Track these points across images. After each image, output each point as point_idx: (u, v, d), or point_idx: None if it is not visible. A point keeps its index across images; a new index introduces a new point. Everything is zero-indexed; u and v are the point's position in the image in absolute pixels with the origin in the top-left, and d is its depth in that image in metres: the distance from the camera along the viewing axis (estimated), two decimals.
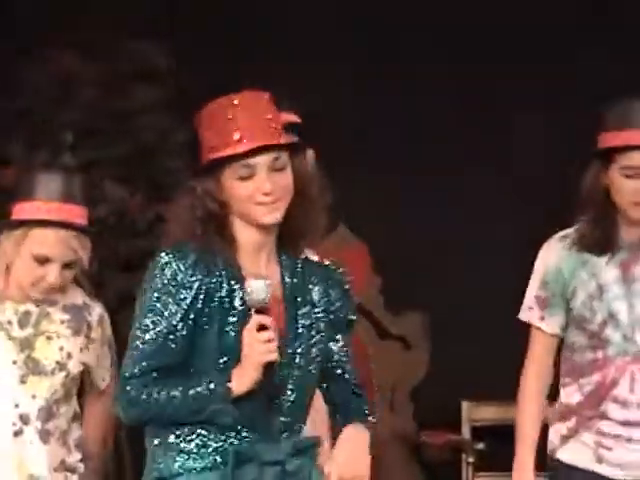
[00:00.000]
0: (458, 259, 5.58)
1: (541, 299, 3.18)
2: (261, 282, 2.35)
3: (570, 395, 3.15)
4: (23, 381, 2.98)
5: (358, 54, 5.59)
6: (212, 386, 2.34)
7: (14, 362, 2.99)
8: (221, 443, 2.37)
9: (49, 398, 2.98)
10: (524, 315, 3.21)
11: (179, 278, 2.36)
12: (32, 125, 5.28)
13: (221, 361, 2.37)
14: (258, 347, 2.31)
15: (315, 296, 2.48)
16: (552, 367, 3.20)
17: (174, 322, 2.36)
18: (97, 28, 5.17)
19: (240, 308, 2.39)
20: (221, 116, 2.40)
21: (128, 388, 2.37)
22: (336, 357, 2.52)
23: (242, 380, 2.33)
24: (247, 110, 2.40)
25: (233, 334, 2.37)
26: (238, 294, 2.39)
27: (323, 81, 5.43)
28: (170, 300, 2.36)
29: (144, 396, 2.35)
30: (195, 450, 2.37)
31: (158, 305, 2.37)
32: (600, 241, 3.11)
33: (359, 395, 2.53)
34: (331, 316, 2.50)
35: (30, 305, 3.02)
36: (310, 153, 3.06)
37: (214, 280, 2.39)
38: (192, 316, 2.37)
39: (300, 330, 2.44)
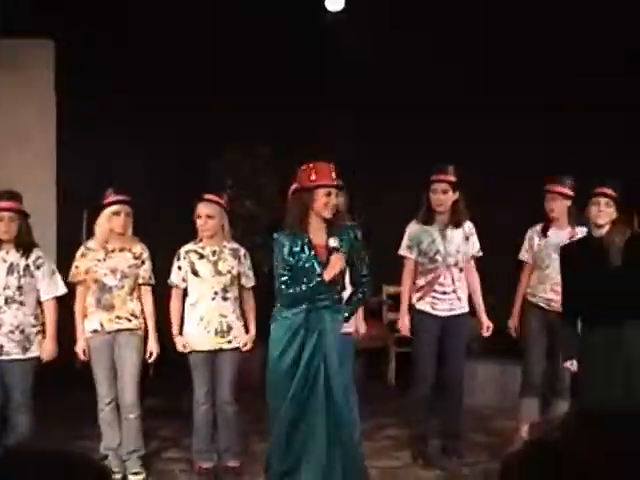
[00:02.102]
0: None
1: None
2: (336, 240, 5.56)
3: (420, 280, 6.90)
4: (213, 277, 6.46)
5: None
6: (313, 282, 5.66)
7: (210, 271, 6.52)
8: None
9: (226, 284, 6.48)
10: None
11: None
12: None
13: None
14: (339, 265, 5.57)
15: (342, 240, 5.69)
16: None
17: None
18: None
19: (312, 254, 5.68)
20: (323, 167, 5.60)
21: (290, 292, 5.62)
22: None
23: (329, 274, 5.59)
24: (329, 168, 5.63)
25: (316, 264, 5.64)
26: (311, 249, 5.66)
27: None
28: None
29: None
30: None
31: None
32: None
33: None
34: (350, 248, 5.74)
35: (217, 247, 6.48)
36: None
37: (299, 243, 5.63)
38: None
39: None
